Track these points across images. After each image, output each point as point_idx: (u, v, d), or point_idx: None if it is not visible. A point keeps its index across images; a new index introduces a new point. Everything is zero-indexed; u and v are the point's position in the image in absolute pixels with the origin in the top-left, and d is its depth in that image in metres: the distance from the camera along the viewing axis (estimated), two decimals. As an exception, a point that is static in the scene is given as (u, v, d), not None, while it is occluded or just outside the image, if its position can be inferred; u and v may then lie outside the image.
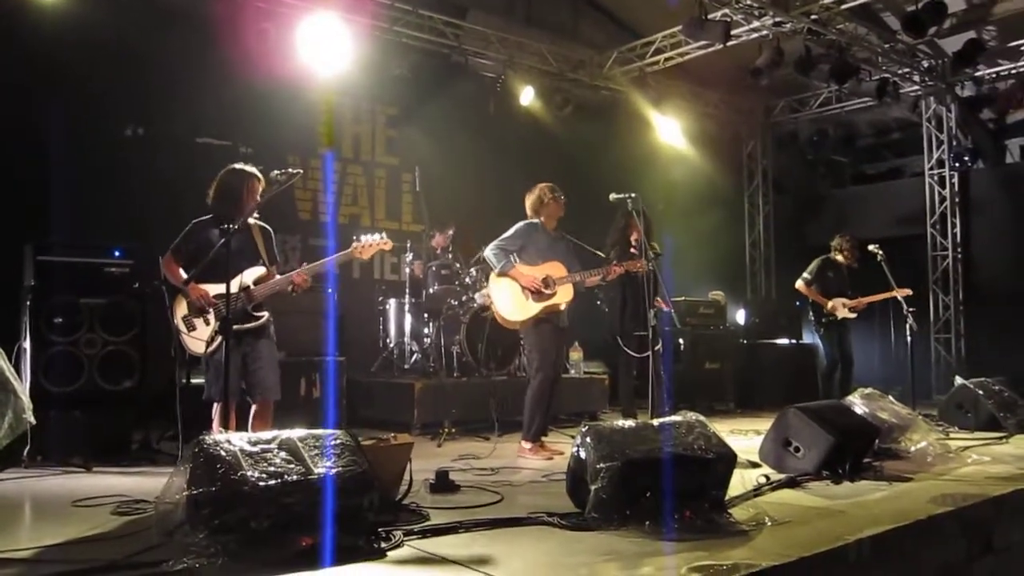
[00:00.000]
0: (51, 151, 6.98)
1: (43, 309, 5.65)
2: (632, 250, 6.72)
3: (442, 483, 4.49)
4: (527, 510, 3.88)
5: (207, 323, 4.83)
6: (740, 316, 11.24)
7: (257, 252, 4.97)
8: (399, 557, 3.15)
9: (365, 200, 10.00)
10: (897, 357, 11.96)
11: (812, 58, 10.03)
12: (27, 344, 5.58)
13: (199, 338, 4.82)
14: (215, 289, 4.76)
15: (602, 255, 6.69)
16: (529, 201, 6.35)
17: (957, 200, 12.17)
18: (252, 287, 4.87)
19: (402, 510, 3.84)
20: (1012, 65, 11.13)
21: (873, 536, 3.43)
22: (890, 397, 6.09)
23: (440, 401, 7.34)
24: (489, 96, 10.47)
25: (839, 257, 8.78)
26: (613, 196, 6.17)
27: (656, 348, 6.13)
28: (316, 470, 3.16)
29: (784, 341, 10.74)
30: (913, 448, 5.56)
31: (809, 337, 10.25)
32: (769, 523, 3.66)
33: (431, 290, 8.26)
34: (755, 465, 5.20)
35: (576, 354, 8.94)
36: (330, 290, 7.21)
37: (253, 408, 4.93)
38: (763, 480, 4.65)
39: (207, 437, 3.20)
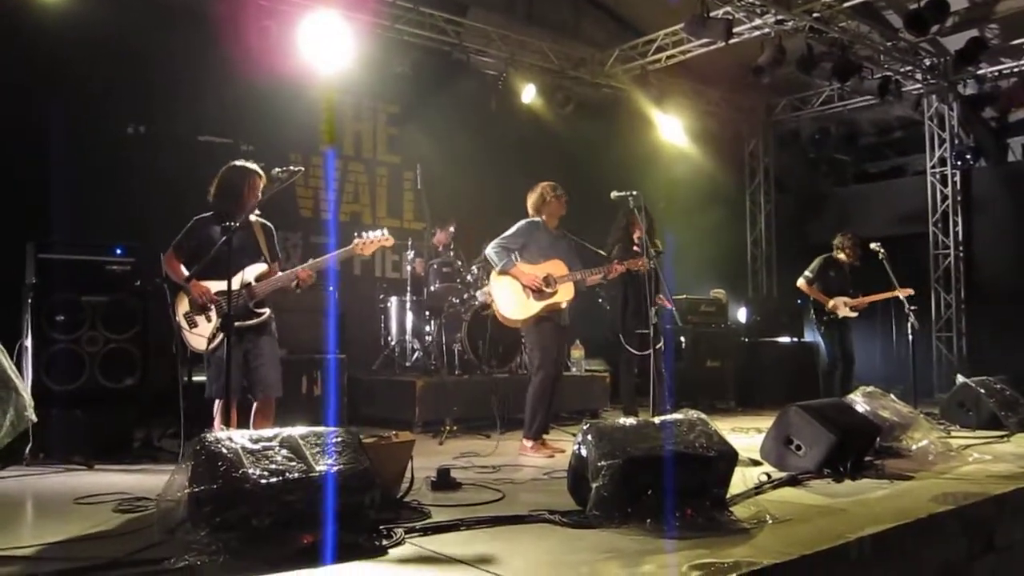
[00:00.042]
0: (53, 149, 6.99)
1: (45, 307, 5.66)
2: (635, 248, 6.71)
3: (443, 481, 4.50)
4: (528, 508, 3.88)
5: (209, 320, 4.84)
6: (741, 314, 11.24)
7: (259, 249, 4.97)
8: (400, 555, 3.15)
9: (366, 198, 10.00)
10: (899, 355, 11.95)
11: (814, 56, 10.03)
12: (29, 342, 5.58)
13: (201, 335, 4.82)
14: (217, 286, 4.76)
15: (603, 254, 6.69)
16: (531, 200, 6.35)
17: (959, 199, 12.16)
18: (254, 284, 4.87)
19: (403, 508, 3.84)
20: (1014, 63, 11.11)
21: (874, 534, 3.43)
22: (892, 395, 6.10)
23: (441, 399, 7.34)
24: (490, 94, 10.47)
25: (841, 256, 8.78)
26: (615, 194, 6.17)
27: (658, 346, 6.12)
28: (317, 468, 3.17)
29: (785, 339, 10.74)
30: (914, 446, 5.56)
31: (810, 335, 10.25)
32: (770, 521, 3.66)
33: (432, 288, 8.26)
34: (756, 463, 5.20)
35: (577, 352, 8.95)
36: (331, 288, 7.21)
37: (255, 405, 4.93)
38: (764, 478, 4.64)
39: (208, 435, 3.21)
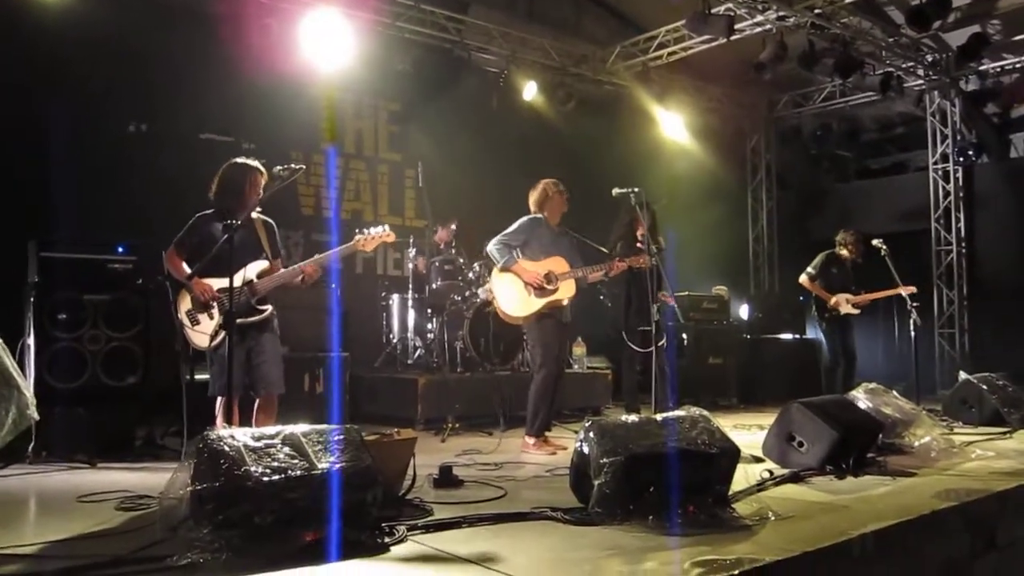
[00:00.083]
0: (54, 148, 6.98)
1: (47, 305, 5.66)
2: (638, 244, 6.71)
3: (445, 478, 4.50)
4: (530, 505, 3.88)
5: (211, 318, 4.83)
6: (743, 311, 11.24)
7: (260, 246, 4.97)
8: (402, 552, 3.15)
9: (368, 196, 10.00)
10: (901, 352, 11.94)
11: (816, 52, 10.02)
12: (31, 340, 5.58)
13: (203, 332, 4.81)
14: (218, 283, 4.76)
15: (605, 251, 6.69)
16: (533, 197, 6.35)
17: (961, 195, 12.15)
18: (255, 281, 4.87)
19: (405, 505, 3.84)
20: (1017, 59, 11.10)
21: (876, 531, 3.43)
22: (894, 392, 6.09)
23: (443, 396, 7.34)
24: (492, 91, 10.47)
25: (843, 252, 8.77)
26: (616, 191, 6.17)
27: (660, 343, 6.12)
28: (320, 465, 3.17)
29: (787, 336, 10.74)
30: (917, 443, 5.56)
31: (812, 332, 10.25)
32: (772, 518, 3.66)
33: (434, 285, 8.26)
34: (758, 460, 5.20)
35: (579, 349, 8.95)
36: (333, 285, 7.21)
37: (257, 402, 4.93)
38: (766, 475, 4.65)
39: (211, 433, 3.21)
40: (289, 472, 3.09)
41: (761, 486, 4.42)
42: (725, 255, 12.63)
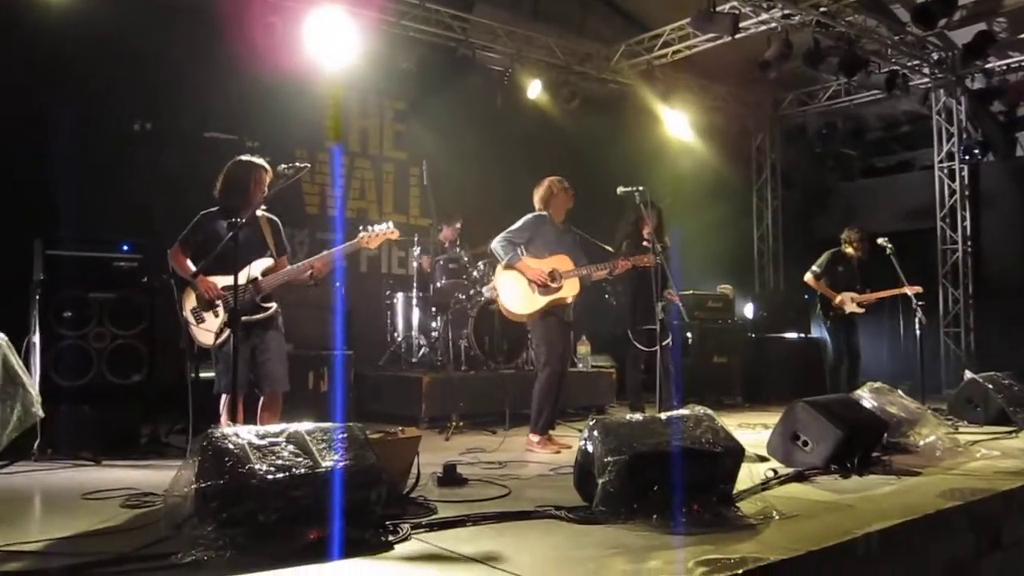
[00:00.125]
0: (58, 147, 6.99)
1: (52, 303, 5.67)
2: (644, 243, 6.69)
3: (450, 476, 4.50)
4: (535, 504, 3.88)
5: (216, 315, 4.84)
6: (748, 310, 11.23)
7: (265, 244, 4.98)
8: (406, 550, 3.16)
9: (373, 194, 10.00)
10: (906, 351, 11.86)
11: (821, 51, 9.99)
12: (36, 338, 5.59)
13: (208, 330, 4.82)
14: (223, 281, 4.76)
15: (610, 249, 6.67)
16: (538, 194, 6.35)
17: (967, 193, 12.12)
18: (260, 278, 4.87)
19: (410, 503, 3.84)
20: (1023, 57, 11.05)
21: (881, 530, 3.42)
22: (899, 391, 6.08)
23: (448, 395, 7.34)
24: (496, 90, 10.47)
25: (848, 250, 8.75)
26: (621, 189, 6.16)
27: (665, 342, 6.11)
28: (324, 463, 3.17)
29: (792, 335, 10.73)
30: (922, 442, 5.55)
31: (817, 331, 10.24)
32: (777, 517, 3.66)
33: (439, 284, 8.26)
34: (763, 459, 5.19)
35: (584, 348, 8.95)
36: (337, 284, 7.22)
37: (261, 400, 4.93)
38: (771, 474, 4.64)
39: (215, 431, 3.21)
40: (293, 470, 3.09)
41: (765, 485, 4.42)
42: (730, 254, 12.62)
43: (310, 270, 4.92)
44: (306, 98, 8.99)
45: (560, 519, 3.63)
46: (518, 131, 10.54)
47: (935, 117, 12.31)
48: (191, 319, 4.88)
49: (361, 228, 4.99)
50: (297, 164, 4.70)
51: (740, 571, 2.83)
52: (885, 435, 5.41)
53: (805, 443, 4.99)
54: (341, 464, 3.19)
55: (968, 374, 7.71)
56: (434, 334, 8.23)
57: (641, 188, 6.12)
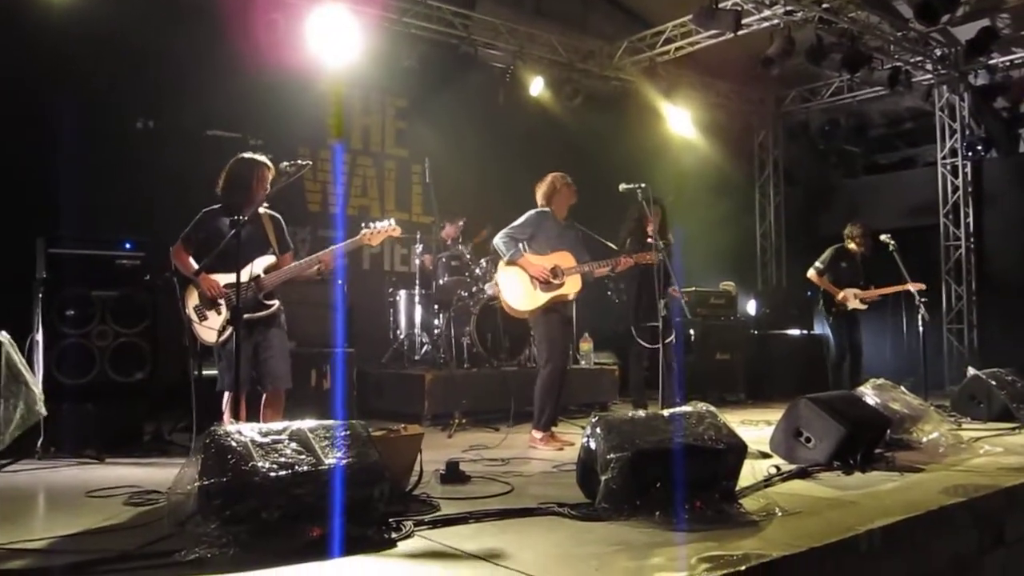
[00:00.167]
0: (61, 145, 7.01)
1: (55, 301, 5.68)
2: (648, 240, 6.69)
3: (452, 474, 4.50)
4: (537, 501, 3.89)
5: (219, 313, 4.84)
6: (751, 307, 11.21)
7: (267, 241, 4.98)
8: (409, 547, 3.16)
9: (375, 191, 10.00)
10: (909, 347, 11.88)
11: (824, 47, 9.97)
12: (39, 336, 5.60)
13: (211, 328, 4.83)
14: (225, 279, 4.77)
15: (612, 246, 6.67)
16: (541, 190, 6.34)
17: (970, 190, 12.09)
18: (262, 276, 4.87)
19: (412, 501, 3.85)
20: (1026, 53, 11.05)
21: (884, 527, 3.42)
22: (902, 388, 6.07)
23: (450, 392, 7.34)
24: (498, 87, 10.45)
25: (851, 245, 8.74)
26: (623, 186, 6.15)
27: (669, 339, 6.11)
28: (326, 461, 3.17)
29: (795, 332, 10.71)
30: (925, 439, 5.54)
31: (820, 328, 10.22)
32: (780, 514, 3.66)
33: (441, 281, 8.27)
34: (766, 456, 5.19)
35: (586, 345, 8.95)
36: (340, 281, 7.22)
37: (264, 397, 4.94)
38: (774, 471, 4.64)
39: (218, 428, 3.22)
40: (296, 468, 3.10)
41: (768, 482, 4.42)
42: (732, 251, 12.61)
43: (318, 265, 4.92)
44: (308, 96, 8.99)
45: (563, 516, 3.64)
46: (520, 129, 10.53)
47: (938, 113, 12.28)
48: (194, 317, 4.89)
49: (363, 225, 4.99)
50: (299, 162, 4.71)
51: (743, 568, 2.83)
52: (888, 432, 5.41)
53: (808, 440, 4.99)
54: (344, 462, 3.20)
55: (971, 370, 7.70)
56: (436, 331, 8.23)
57: (643, 185, 6.12)
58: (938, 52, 11.36)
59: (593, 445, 3.80)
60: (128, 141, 7.72)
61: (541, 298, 6.04)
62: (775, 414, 5.86)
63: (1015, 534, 4.16)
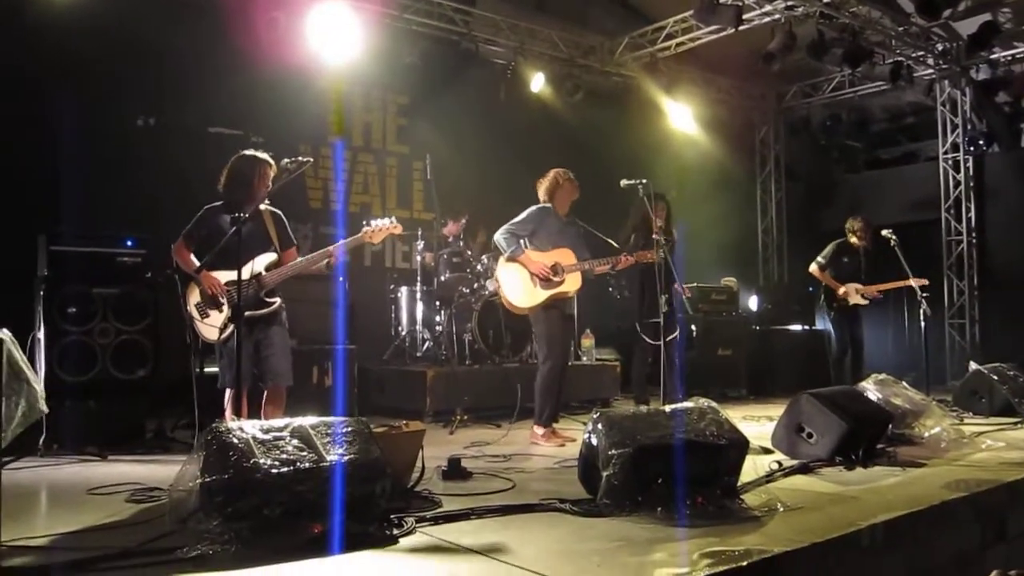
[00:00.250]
0: (62, 141, 6.99)
1: (56, 299, 5.69)
2: (654, 236, 6.68)
3: (454, 470, 4.50)
4: (539, 497, 3.89)
5: (220, 311, 4.85)
6: (752, 302, 11.21)
7: (268, 239, 4.97)
8: (411, 544, 3.16)
9: (376, 188, 9.99)
10: (911, 343, 11.90)
11: (825, 42, 9.94)
12: (41, 334, 5.61)
13: (212, 325, 4.83)
14: (227, 276, 4.77)
15: (613, 243, 6.65)
16: (543, 186, 6.34)
17: (972, 185, 12.07)
18: (264, 273, 4.87)
19: (414, 497, 3.85)
20: (1028, 48, 11.02)
21: (886, 522, 3.42)
22: (904, 383, 6.08)
23: (452, 389, 7.34)
24: (500, 83, 10.43)
25: (853, 239, 8.72)
26: (624, 182, 6.15)
27: (673, 336, 6.10)
28: (328, 457, 3.18)
29: (797, 327, 10.71)
30: (927, 434, 5.55)
31: (821, 323, 10.22)
32: (781, 509, 3.66)
33: (442, 278, 8.26)
34: (767, 451, 5.20)
35: (588, 341, 8.94)
36: (340, 278, 7.22)
37: (265, 395, 4.94)
38: (775, 466, 4.64)
39: (220, 425, 3.22)
40: (298, 464, 3.10)
41: (770, 477, 4.42)
42: (734, 246, 12.60)
43: (326, 259, 4.91)
44: (309, 93, 8.98)
45: (564, 512, 3.64)
46: (521, 125, 10.51)
47: (940, 108, 12.26)
48: (195, 314, 4.89)
49: (364, 223, 4.98)
50: (300, 158, 4.70)
51: (744, 563, 2.83)
52: (890, 427, 5.41)
53: (810, 435, 4.99)
54: (345, 458, 3.20)
55: (973, 365, 7.70)
56: (438, 328, 8.23)
57: (644, 181, 6.11)
58: (939, 47, 11.33)
59: (595, 441, 3.80)
60: (129, 138, 7.72)
61: (541, 295, 6.03)
62: (777, 410, 5.87)
63: (1017, 529, 4.16)
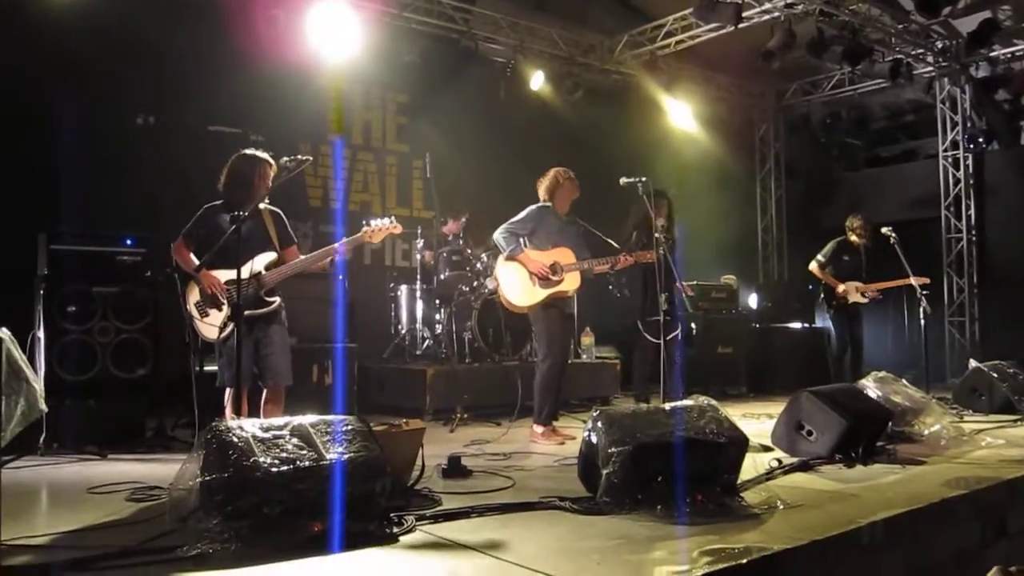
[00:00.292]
0: (62, 141, 6.99)
1: (56, 298, 5.69)
2: (656, 234, 6.67)
3: (454, 468, 4.51)
4: (539, 495, 3.89)
5: (220, 309, 4.85)
6: (752, 300, 11.21)
7: (268, 238, 4.97)
8: (411, 542, 3.17)
9: (376, 187, 9.99)
10: (911, 340, 11.89)
11: (824, 40, 9.93)
12: (41, 333, 5.61)
13: (212, 324, 4.83)
14: (227, 275, 4.77)
15: (612, 243, 6.64)
16: (543, 185, 6.34)
17: (971, 182, 12.07)
18: (263, 273, 4.87)
19: (414, 495, 3.85)
20: (1028, 45, 11.01)
21: (886, 519, 3.42)
22: (904, 380, 6.08)
23: (452, 387, 7.34)
24: (499, 81, 10.43)
25: (853, 237, 8.71)
26: (623, 180, 6.15)
27: (675, 334, 6.10)
28: (328, 456, 3.18)
29: (796, 325, 10.71)
30: (927, 431, 5.55)
31: (821, 321, 10.22)
32: (781, 507, 3.66)
33: (442, 276, 8.26)
34: (767, 449, 5.20)
35: (588, 339, 8.94)
36: (340, 277, 7.21)
37: (264, 394, 4.94)
38: (775, 464, 4.64)
39: (220, 424, 3.22)
40: (298, 463, 3.10)
41: (770, 475, 4.42)
42: (734, 244, 12.61)
43: (332, 256, 4.90)
44: (309, 91, 8.97)
45: (564, 510, 3.64)
46: (521, 123, 10.51)
47: (939, 106, 12.26)
48: (195, 313, 4.89)
49: (364, 223, 4.98)
50: (299, 157, 4.70)
51: (744, 561, 2.83)
52: (890, 424, 5.41)
53: (810, 433, 5.00)
54: (345, 457, 3.20)
55: (973, 363, 7.70)
56: (438, 326, 8.23)
57: (644, 179, 6.11)
58: (939, 44, 11.32)
59: (594, 439, 3.80)
60: (129, 137, 7.71)
61: (540, 294, 6.04)
62: (777, 407, 5.88)
63: (1017, 526, 4.16)
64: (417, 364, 7.93)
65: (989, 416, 6.95)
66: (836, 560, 3.17)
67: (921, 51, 11.28)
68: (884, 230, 8.18)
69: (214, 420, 3.36)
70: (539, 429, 6.02)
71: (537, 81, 10.40)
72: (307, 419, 3.36)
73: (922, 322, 8.06)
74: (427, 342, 8.32)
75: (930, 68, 11.58)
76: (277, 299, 4.97)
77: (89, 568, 2.84)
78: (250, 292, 4.73)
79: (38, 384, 3.18)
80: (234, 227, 4.37)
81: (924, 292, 7.96)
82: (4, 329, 3.06)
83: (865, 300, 8.60)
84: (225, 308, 4.82)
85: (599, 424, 3.80)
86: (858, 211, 9.05)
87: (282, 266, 4.94)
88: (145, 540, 3.09)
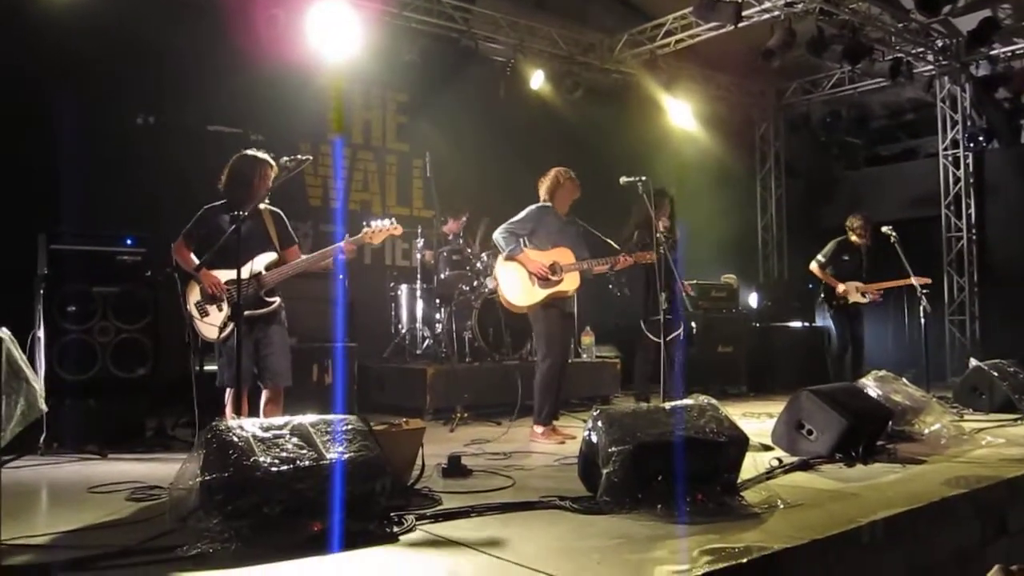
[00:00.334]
0: (62, 141, 6.99)
1: (56, 297, 5.69)
2: (657, 233, 6.66)
3: (454, 468, 4.50)
4: (539, 494, 3.89)
5: (220, 309, 4.85)
6: (752, 299, 11.20)
7: (268, 238, 4.97)
8: (411, 541, 3.17)
9: (376, 186, 9.99)
10: (911, 339, 11.90)
11: (824, 39, 9.93)
12: (41, 333, 5.61)
13: (212, 324, 4.83)
14: (227, 275, 4.77)
15: (612, 243, 6.64)
16: (544, 184, 6.33)
17: (971, 181, 12.07)
18: (263, 273, 4.87)
19: (414, 495, 3.85)
20: (1028, 44, 11.01)
21: (886, 519, 3.42)
22: (904, 379, 6.07)
23: (452, 386, 7.34)
24: (499, 81, 10.44)
25: (853, 237, 8.71)
26: (623, 179, 6.14)
27: (676, 333, 6.09)
28: (328, 455, 3.18)
29: (797, 324, 10.72)
30: (927, 430, 5.54)
31: (821, 320, 10.21)
32: (781, 506, 3.66)
33: (442, 276, 8.26)
34: (768, 448, 5.19)
35: (588, 338, 8.94)
36: (340, 276, 7.21)
37: (264, 394, 4.94)
38: (776, 463, 4.64)
39: (220, 424, 3.22)
40: (298, 462, 3.10)
41: (770, 474, 4.42)
42: (734, 243, 12.61)
43: (339, 255, 4.90)
44: (309, 91, 8.97)
45: (564, 509, 3.64)
46: (521, 122, 10.51)
47: (939, 105, 12.26)
48: (195, 313, 4.89)
49: (364, 223, 4.98)
50: (299, 156, 4.70)
51: (744, 560, 2.83)
52: (890, 423, 5.41)
53: (810, 432, 4.99)
54: (345, 456, 3.20)
55: (973, 362, 7.70)
56: (438, 326, 8.22)
57: (644, 178, 6.11)
58: (939, 43, 11.32)
59: (595, 438, 3.80)
60: (129, 137, 7.71)
61: (539, 294, 6.04)
62: (777, 406, 5.87)
63: (1017, 525, 4.16)
64: (417, 363, 7.93)
65: (989, 415, 6.96)
66: (836, 559, 3.17)
67: (921, 50, 11.28)
68: (884, 229, 8.17)
69: (214, 420, 3.36)
70: (539, 428, 6.02)
71: (537, 80, 10.40)
72: (307, 419, 3.36)
73: (922, 321, 8.05)
74: (427, 341, 8.32)
75: (930, 67, 11.58)
76: (277, 299, 4.97)
77: (89, 568, 2.84)
78: (250, 292, 4.73)
79: (38, 384, 3.18)
80: (234, 227, 4.38)
81: (924, 291, 7.96)
82: (4, 329, 3.06)
83: (865, 300, 8.60)
84: (225, 308, 4.82)
85: (599, 423, 3.80)
86: (858, 211, 9.05)
87: (282, 266, 4.94)
88: (145, 540, 3.09)
